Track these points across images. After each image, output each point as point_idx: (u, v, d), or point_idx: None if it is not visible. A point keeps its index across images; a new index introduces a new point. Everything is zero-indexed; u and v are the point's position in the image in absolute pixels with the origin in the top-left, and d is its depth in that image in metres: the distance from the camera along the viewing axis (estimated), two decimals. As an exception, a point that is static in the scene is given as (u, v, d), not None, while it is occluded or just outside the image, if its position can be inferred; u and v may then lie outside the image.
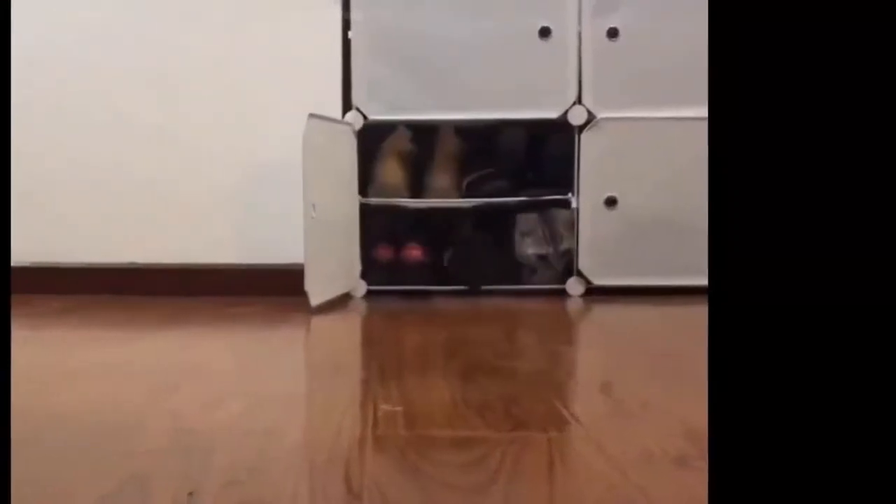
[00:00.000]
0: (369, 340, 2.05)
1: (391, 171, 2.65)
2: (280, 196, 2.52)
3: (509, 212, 2.64)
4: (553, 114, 2.54)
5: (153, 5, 2.58)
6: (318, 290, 2.25)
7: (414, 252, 2.62)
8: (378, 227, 2.68)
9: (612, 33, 2.52)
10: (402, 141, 2.68)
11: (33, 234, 2.49)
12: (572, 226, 2.57)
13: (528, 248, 2.62)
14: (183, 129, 2.53)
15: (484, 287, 2.65)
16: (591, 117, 2.53)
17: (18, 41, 2.24)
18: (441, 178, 2.66)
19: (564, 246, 2.62)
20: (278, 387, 1.45)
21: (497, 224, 2.68)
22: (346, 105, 2.58)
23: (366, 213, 2.61)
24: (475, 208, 2.62)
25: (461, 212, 2.64)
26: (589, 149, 2.54)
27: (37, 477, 0.93)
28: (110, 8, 2.57)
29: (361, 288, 2.58)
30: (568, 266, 2.60)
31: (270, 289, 2.50)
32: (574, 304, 2.48)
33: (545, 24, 2.52)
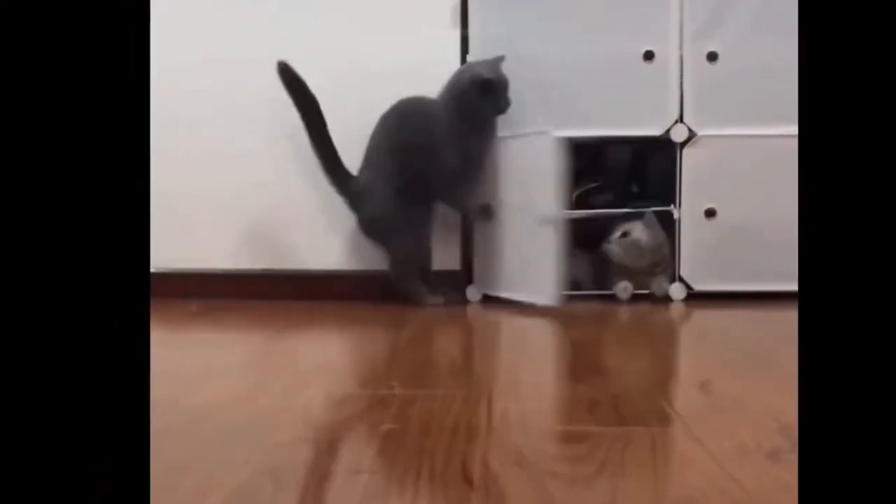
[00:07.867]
0: (484, 341, 2.06)
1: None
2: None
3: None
4: (656, 131, 2.53)
5: (269, 28, 2.61)
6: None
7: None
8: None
9: (712, 57, 2.49)
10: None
11: (168, 243, 2.50)
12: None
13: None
14: (306, 141, 2.52)
15: (590, 292, 2.64)
16: (691, 134, 2.51)
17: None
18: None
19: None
20: (401, 384, 1.47)
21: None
22: (463, 121, 2.59)
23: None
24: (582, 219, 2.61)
25: (569, 223, 2.63)
26: (690, 164, 2.52)
27: (179, 465, 0.96)
28: (234, 28, 2.62)
29: (477, 292, 2.59)
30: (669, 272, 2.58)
31: (390, 294, 2.51)
32: (676, 308, 2.46)
33: (649, 48, 2.51)
